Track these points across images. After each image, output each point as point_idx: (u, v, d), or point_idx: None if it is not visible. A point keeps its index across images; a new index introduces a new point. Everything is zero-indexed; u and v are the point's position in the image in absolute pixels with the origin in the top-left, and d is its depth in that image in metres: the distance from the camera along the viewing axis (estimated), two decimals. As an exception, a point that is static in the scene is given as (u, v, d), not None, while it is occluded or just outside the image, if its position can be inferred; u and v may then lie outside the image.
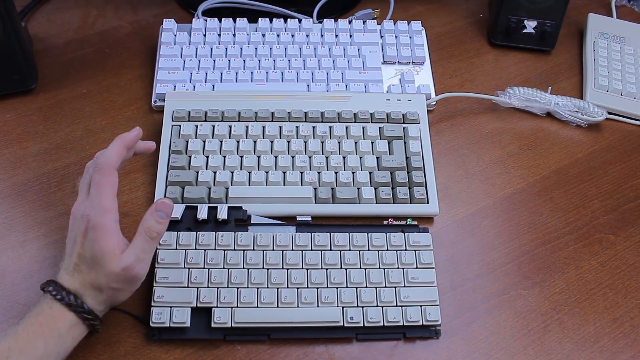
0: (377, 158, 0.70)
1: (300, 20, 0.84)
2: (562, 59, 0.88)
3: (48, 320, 0.49)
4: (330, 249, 0.62)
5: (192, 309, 0.58)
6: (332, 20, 0.84)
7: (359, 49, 0.82)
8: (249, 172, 0.68)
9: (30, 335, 0.48)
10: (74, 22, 0.87)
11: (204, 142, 0.70)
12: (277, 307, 0.58)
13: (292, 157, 0.70)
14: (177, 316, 0.57)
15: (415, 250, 0.63)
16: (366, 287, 0.60)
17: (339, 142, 0.71)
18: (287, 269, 0.60)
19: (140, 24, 0.88)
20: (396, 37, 0.84)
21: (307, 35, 0.83)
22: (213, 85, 0.77)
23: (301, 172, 0.69)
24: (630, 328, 0.62)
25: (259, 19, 0.83)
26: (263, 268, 0.60)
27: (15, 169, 0.70)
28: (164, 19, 0.82)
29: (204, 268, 0.60)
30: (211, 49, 0.80)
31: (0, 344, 0.47)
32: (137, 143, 0.58)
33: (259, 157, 0.69)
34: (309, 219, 0.65)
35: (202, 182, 0.67)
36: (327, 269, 0.61)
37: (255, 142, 0.70)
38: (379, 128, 0.72)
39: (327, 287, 0.60)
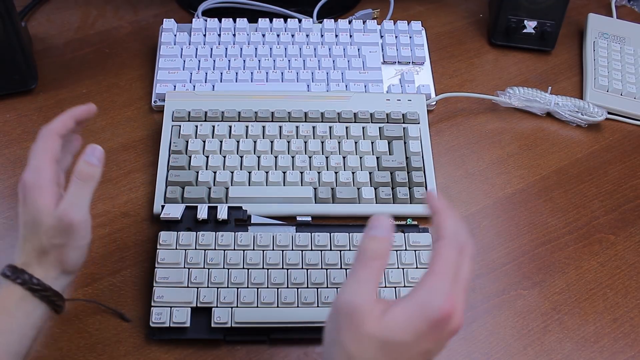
0: (377, 158, 0.70)
1: (300, 20, 0.84)
2: (562, 59, 0.88)
3: None
4: (330, 249, 0.62)
5: (192, 309, 0.58)
6: (332, 20, 0.84)
7: (359, 49, 0.82)
8: (249, 172, 0.68)
9: None
10: (74, 22, 0.87)
11: (204, 142, 0.70)
12: (277, 307, 0.58)
13: (292, 157, 0.70)
14: (177, 316, 0.57)
15: (415, 251, 0.63)
16: (366, 287, 0.60)
17: (339, 142, 0.71)
18: (287, 269, 0.60)
19: (140, 24, 0.88)
20: (396, 37, 0.84)
21: (307, 35, 0.83)
22: (213, 85, 0.77)
23: (301, 172, 0.69)
24: (630, 328, 0.62)
25: (259, 19, 0.83)
26: (263, 268, 0.60)
27: (15, 169, 0.70)
28: (164, 19, 0.82)
29: (204, 268, 0.60)
30: (211, 49, 0.80)
31: None
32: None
33: (259, 157, 0.69)
34: (309, 219, 0.64)
35: (202, 182, 0.67)
36: (327, 269, 0.61)
37: (255, 142, 0.70)
38: (379, 128, 0.72)
39: (327, 287, 0.60)
